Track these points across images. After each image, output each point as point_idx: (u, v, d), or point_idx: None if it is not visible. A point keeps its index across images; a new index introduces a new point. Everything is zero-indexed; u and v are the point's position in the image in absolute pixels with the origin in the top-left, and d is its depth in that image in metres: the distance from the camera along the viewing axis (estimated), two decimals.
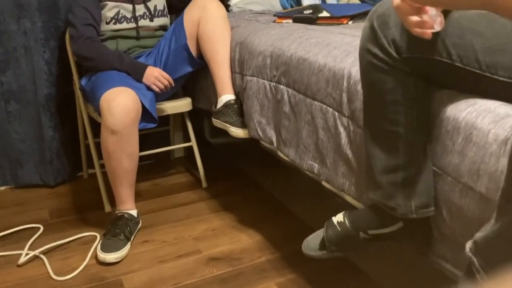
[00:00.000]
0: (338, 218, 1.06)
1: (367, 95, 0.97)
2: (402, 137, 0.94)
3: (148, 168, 2.27)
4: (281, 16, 1.73)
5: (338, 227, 1.05)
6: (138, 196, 1.98)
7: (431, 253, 0.97)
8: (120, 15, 1.80)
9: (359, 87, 1.10)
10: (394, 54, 0.91)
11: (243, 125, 1.65)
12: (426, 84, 0.94)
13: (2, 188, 2.10)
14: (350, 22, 1.60)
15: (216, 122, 1.73)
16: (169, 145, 2.31)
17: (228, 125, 1.68)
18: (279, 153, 1.50)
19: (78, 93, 1.91)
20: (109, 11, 1.79)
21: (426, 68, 0.91)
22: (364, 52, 0.95)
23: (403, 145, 0.93)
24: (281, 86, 1.42)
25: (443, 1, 0.72)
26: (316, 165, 1.29)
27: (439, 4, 0.75)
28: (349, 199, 1.21)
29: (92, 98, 1.69)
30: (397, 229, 1.00)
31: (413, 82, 0.93)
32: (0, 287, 1.44)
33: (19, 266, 1.54)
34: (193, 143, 2.07)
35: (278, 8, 2.15)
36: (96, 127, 1.99)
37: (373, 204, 1.01)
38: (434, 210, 0.94)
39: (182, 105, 1.94)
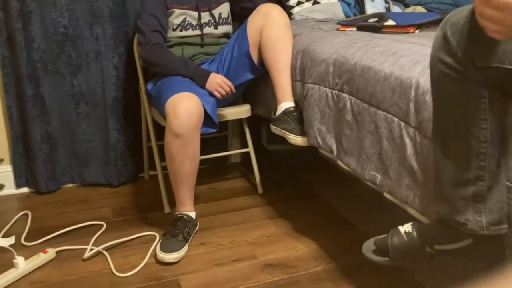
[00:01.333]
0: (406, 228, 1.03)
1: (438, 106, 0.95)
2: (474, 150, 0.90)
3: (206, 172, 2.32)
4: (345, 24, 1.72)
5: (405, 237, 1.02)
6: (196, 199, 2.02)
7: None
8: (186, 22, 1.86)
9: (428, 97, 1.07)
10: (467, 64, 0.88)
11: (302, 133, 1.65)
12: (501, 95, 0.90)
13: (69, 185, 2.21)
14: (417, 31, 1.56)
15: (275, 129, 1.74)
16: (227, 150, 2.35)
17: (287, 132, 1.68)
18: (339, 162, 1.49)
19: (144, 97, 1.99)
20: (176, 18, 1.85)
21: (501, 79, 0.88)
22: (436, 62, 0.93)
23: (475, 158, 0.90)
24: (344, 95, 1.41)
25: None
26: (379, 176, 1.27)
27: None
28: (412, 212, 1.18)
29: (158, 102, 1.75)
30: (465, 246, 0.96)
31: (487, 93, 0.89)
32: (66, 279, 1.52)
33: (84, 260, 1.62)
34: (250, 149, 2.10)
35: (341, 16, 2.14)
36: (158, 130, 2.06)
37: (441, 218, 0.98)
38: (507, 228, 0.89)
39: (242, 111, 1.97)
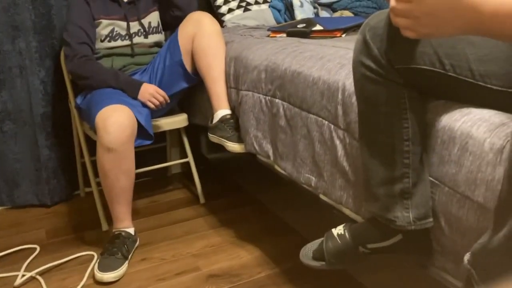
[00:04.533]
0: (338, 230, 1.05)
1: (361, 107, 0.97)
2: (398, 149, 0.93)
3: (146, 185, 2.26)
4: (275, 30, 1.74)
5: (338, 240, 1.04)
6: (136, 214, 1.97)
7: (431, 264, 0.96)
8: (114, 33, 1.81)
9: (354, 99, 1.10)
10: (387, 65, 0.91)
11: (240, 140, 1.65)
12: (419, 95, 0.94)
13: None
14: (343, 35, 1.60)
15: (213, 137, 1.73)
16: (166, 161, 2.30)
17: (225, 140, 1.67)
18: (276, 167, 1.50)
19: (74, 112, 1.91)
20: (103, 29, 1.80)
21: (419, 79, 0.91)
22: (357, 65, 0.95)
23: (400, 157, 0.93)
24: (277, 100, 1.42)
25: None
26: (314, 178, 1.28)
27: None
28: (347, 212, 1.20)
29: (88, 116, 1.69)
30: (396, 242, 0.98)
31: (407, 93, 0.92)
32: None
33: None
34: (190, 159, 2.07)
35: (272, 22, 2.16)
36: (92, 145, 1.98)
37: (372, 217, 1.00)
38: (432, 221, 0.93)
39: (178, 121, 1.94)
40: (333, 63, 1.23)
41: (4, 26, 1.89)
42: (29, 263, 1.65)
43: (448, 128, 0.88)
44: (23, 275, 1.56)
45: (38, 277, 1.57)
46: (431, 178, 0.93)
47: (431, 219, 0.93)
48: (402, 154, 0.93)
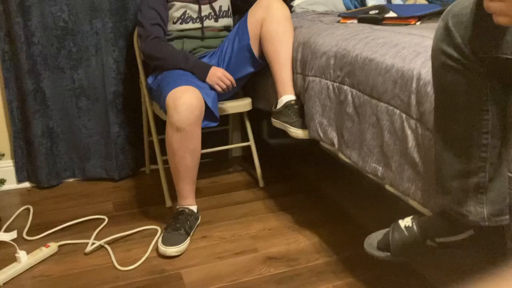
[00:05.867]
0: (406, 222, 1.03)
1: (439, 97, 0.94)
2: (476, 142, 0.90)
3: (207, 166, 2.32)
4: (345, 16, 1.71)
5: (405, 232, 1.02)
6: (197, 193, 2.02)
7: (504, 263, 0.92)
8: (186, 15, 1.85)
9: (429, 88, 1.07)
10: (470, 54, 0.88)
11: (303, 126, 1.64)
12: (502, 86, 0.90)
13: (71, 180, 2.21)
14: (418, 23, 1.55)
15: (276, 123, 1.74)
16: (228, 144, 2.35)
17: (288, 126, 1.68)
18: (341, 155, 1.49)
19: (144, 91, 1.98)
20: (176, 11, 1.84)
21: (504, 69, 0.87)
22: (437, 53, 0.92)
23: (477, 149, 0.90)
24: (345, 87, 1.41)
25: None
26: (380, 168, 1.26)
27: None
28: (414, 204, 1.18)
29: (158, 96, 1.75)
30: (466, 237, 0.96)
31: (489, 84, 0.89)
32: (68, 273, 1.52)
33: (85, 254, 1.62)
34: (251, 142, 2.09)
35: (342, 9, 2.13)
36: (159, 124, 2.06)
37: (442, 210, 0.98)
38: (509, 219, 0.89)
39: (242, 105, 1.96)
40: (408, 50, 1.20)
41: (83, 8, 1.98)
42: (98, 233, 1.75)
43: None
44: (93, 243, 1.66)
45: (106, 246, 1.66)
46: (510, 174, 0.89)
47: (507, 216, 0.90)
48: (480, 147, 0.90)
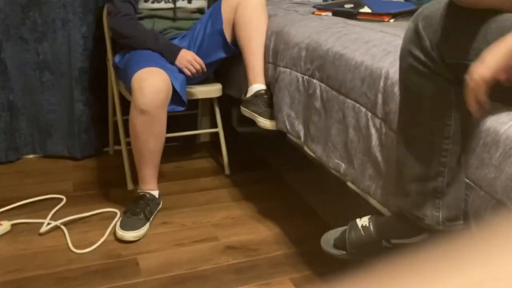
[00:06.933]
0: (363, 221, 1.03)
1: (404, 99, 0.94)
2: (436, 146, 0.90)
3: (173, 150, 2.28)
4: (320, 8, 1.69)
5: (362, 231, 1.02)
6: (161, 177, 1.99)
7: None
8: None
9: (396, 89, 1.07)
10: (437, 58, 0.87)
11: (272, 117, 1.63)
12: None
13: (30, 156, 2.14)
14: (391, 20, 1.55)
15: (245, 111, 1.71)
16: (196, 129, 2.31)
17: (256, 115, 1.66)
18: (306, 149, 1.48)
19: (111, 70, 1.92)
20: None
21: None
22: (405, 54, 0.92)
23: (437, 154, 0.90)
24: (314, 81, 1.39)
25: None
26: (343, 164, 1.26)
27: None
28: (373, 202, 1.18)
29: (124, 76, 1.70)
30: (421, 240, 0.96)
31: (453, 90, 0.89)
32: (20, 253, 1.47)
33: (40, 234, 1.57)
34: (220, 129, 2.07)
35: None
36: (125, 104, 2.00)
37: (399, 212, 0.98)
38: (462, 224, 0.90)
39: (212, 90, 1.93)
40: (378, 48, 1.19)
41: None
42: (55, 213, 1.70)
43: (492, 131, 0.85)
44: (49, 223, 1.61)
45: (62, 226, 1.61)
46: (467, 180, 0.90)
47: (461, 222, 0.90)
48: (440, 152, 0.90)
